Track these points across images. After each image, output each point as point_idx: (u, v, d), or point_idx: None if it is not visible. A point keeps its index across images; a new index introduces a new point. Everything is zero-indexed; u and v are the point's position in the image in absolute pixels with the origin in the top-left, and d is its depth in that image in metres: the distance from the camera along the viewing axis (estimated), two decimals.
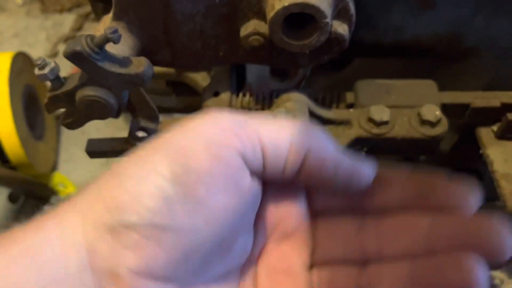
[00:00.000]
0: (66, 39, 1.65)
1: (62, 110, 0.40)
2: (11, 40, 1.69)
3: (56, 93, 0.38)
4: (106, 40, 0.33)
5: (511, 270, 0.75)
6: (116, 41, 0.33)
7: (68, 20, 1.70)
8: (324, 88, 0.72)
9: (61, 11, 1.74)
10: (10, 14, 1.77)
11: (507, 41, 0.49)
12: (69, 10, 1.75)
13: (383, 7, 0.47)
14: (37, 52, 1.59)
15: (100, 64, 0.35)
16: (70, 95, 0.37)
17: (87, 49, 0.33)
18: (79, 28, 1.70)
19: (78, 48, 0.33)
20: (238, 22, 0.43)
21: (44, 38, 1.67)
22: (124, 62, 0.36)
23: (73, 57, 0.34)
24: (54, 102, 0.39)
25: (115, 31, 0.33)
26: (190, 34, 0.42)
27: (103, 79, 0.36)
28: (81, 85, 0.36)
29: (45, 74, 0.35)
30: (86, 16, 1.72)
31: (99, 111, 0.38)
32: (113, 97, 0.37)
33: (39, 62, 0.35)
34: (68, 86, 0.37)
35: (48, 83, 0.38)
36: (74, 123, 0.41)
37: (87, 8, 1.72)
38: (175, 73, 0.55)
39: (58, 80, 0.38)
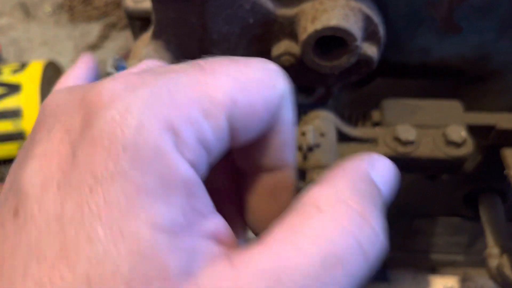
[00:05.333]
0: (93, 48, 1.69)
1: None
2: (40, 48, 1.74)
3: None
4: None
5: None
6: None
7: (95, 30, 1.75)
8: (347, 104, 0.74)
9: (88, 20, 1.79)
10: (39, 22, 1.83)
11: None
12: (97, 19, 1.79)
13: (409, 29, 0.48)
14: (65, 60, 1.63)
15: None
16: None
17: None
18: (106, 37, 1.75)
19: None
20: (270, 43, 0.45)
21: (72, 47, 1.72)
22: None
23: None
24: None
25: None
26: (224, 53, 0.44)
27: None
28: None
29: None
30: (113, 26, 1.77)
31: None
32: None
33: (118, 62, 0.35)
34: None
35: None
36: None
37: (114, 18, 1.77)
38: None
39: None
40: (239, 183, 0.23)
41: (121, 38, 1.79)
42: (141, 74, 0.18)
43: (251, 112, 0.19)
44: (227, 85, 0.18)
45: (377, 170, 0.20)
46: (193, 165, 0.17)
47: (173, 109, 0.17)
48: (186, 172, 0.16)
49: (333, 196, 0.18)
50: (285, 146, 0.21)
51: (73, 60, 1.68)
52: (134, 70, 0.21)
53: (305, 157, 0.44)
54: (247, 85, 0.19)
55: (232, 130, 0.18)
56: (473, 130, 0.49)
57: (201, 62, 0.19)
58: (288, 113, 0.21)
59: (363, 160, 0.20)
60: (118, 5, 1.83)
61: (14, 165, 0.19)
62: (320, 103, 0.51)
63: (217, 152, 0.18)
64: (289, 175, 0.22)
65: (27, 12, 1.85)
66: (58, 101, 0.18)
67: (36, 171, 0.16)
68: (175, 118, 0.16)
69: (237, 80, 0.19)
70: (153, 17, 0.42)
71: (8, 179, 0.19)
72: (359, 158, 0.20)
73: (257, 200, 0.22)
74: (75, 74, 0.32)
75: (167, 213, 0.15)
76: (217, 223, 0.17)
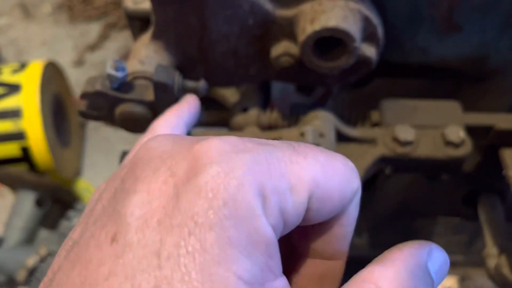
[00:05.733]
0: (92, 48, 1.69)
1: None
2: (39, 48, 1.74)
3: (107, 92, 0.38)
4: (193, 89, 0.37)
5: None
6: (201, 95, 0.37)
7: (95, 29, 1.75)
8: (347, 104, 0.74)
9: (88, 20, 1.79)
10: (38, 22, 1.83)
11: None
12: (96, 19, 1.79)
13: (409, 29, 0.48)
14: (64, 60, 1.63)
15: (173, 102, 0.38)
16: (114, 103, 0.39)
17: (176, 85, 0.36)
18: (105, 37, 1.75)
19: (170, 82, 0.36)
20: (269, 43, 0.45)
21: (71, 47, 1.72)
22: None
23: (161, 86, 0.37)
24: (93, 101, 0.39)
25: (206, 88, 0.38)
26: (224, 54, 0.44)
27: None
28: (141, 102, 0.38)
29: (116, 77, 0.36)
30: (112, 26, 1.77)
31: (136, 125, 0.40)
32: (151, 116, 0.39)
33: (117, 64, 0.35)
34: (129, 95, 0.38)
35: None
36: (95, 117, 0.41)
37: (114, 17, 1.77)
38: None
39: (121, 85, 0.39)
40: (289, 260, 0.23)
41: (121, 38, 1.80)
42: (244, 140, 0.20)
43: (327, 198, 0.20)
44: (314, 169, 0.20)
45: (433, 260, 0.21)
46: (273, 230, 0.18)
47: (267, 178, 0.18)
48: (269, 234, 0.18)
49: (392, 278, 0.19)
50: (344, 239, 0.22)
51: (73, 61, 1.68)
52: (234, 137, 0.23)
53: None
54: (330, 174, 0.20)
55: (307, 210, 0.20)
56: (471, 130, 0.49)
57: (294, 144, 0.21)
58: (355, 209, 0.22)
59: (422, 248, 0.21)
60: (118, 4, 1.83)
61: (109, 192, 0.20)
62: (320, 103, 0.51)
63: (290, 225, 0.19)
64: (340, 266, 0.23)
65: (27, 12, 1.86)
66: (164, 146, 0.20)
67: (139, 205, 0.18)
68: (267, 185, 0.18)
69: (323, 167, 0.20)
70: (152, 18, 0.42)
71: (99, 204, 0.20)
72: (418, 244, 0.21)
73: (303, 281, 0.23)
74: (177, 114, 0.33)
75: (250, 268, 0.17)
76: (283, 284, 0.19)
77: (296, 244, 0.23)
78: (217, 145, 0.19)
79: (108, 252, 0.17)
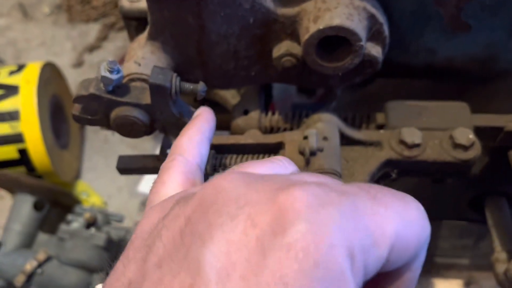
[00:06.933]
0: (91, 49, 1.67)
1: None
2: (37, 49, 1.72)
3: (101, 95, 0.36)
4: (191, 91, 0.35)
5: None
6: (200, 97, 0.36)
7: (93, 30, 1.74)
8: (351, 105, 0.72)
9: (87, 21, 1.77)
10: (37, 23, 1.81)
11: None
12: (95, 20, 1.78)
13: (415, 28, 0.47)
14: (63, 61, 1.62)
15: (171, 105, 0.36)
16: (109, 106, 0.37)
17: (173, 88, 0.35)
18: (104, 37, 1.73)
19: (167, 84, 0.34)
20: (270, 43, 0.43)
21: (70, 48, 1.70)
22: (188, 112, 0.38)
23: (157, 88, 0.35)
24: (87, 105, 0.37)
25: (205, 90, 0.36)
26: (223, 55, 0.43)
27: (162, 115, 0.37)
28: (137, 105, 0.37)
29: (111, 79, 0.34)
30: (111, 26, 1.75)
31: (132, 130, 0.39)
32: (148, 120, 0.37)
33: (112, 66, 0.34)
34: (125, 98, 0.37)
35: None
36: (90, 122, 0.40)
37: (113, 18, 1.76)
38: None
39: (116, 87, 0.37)
40: None
41: (120, 39, 1.78)
42: (325, 189, 0.19)
43: (405, 248, 0.20)
44: (395, 220, 0.19)
45: None
46: None
47: (355, 235, 0.18)
48: None
49: None
50: (413, 283, 0.22)
51: (72, 62, 1.66)
52: (313, 178, 0.21)
53: (308, 162, 0.42)
54: (408, 223, 0.20)
55: (385, 261, 0.19)
56: (480, 132, 0.48)
57: (371, 190, 0.20)
58: (424, 254, 0.21)
59: None
60: (117, 4, 1.81)
61: (171, 231, 0.19)
62: (323, 105, 0.50)
63: (368, 277, 0.19)
64: None
65: (25, 13, 1.84)
66: (237, 189, 0.19)
67: (217, 255, 0.17)
68: (355, 244, 0.18)
69: (402, 217, 0.20)
70: (149, 17, 0.41)
71: (159, 242, 0.19)
72: None
73: None
74: (199, 130, 0.32)
75: None
76: None
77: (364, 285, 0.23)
78: (303, 197, 0.18)
79: None
